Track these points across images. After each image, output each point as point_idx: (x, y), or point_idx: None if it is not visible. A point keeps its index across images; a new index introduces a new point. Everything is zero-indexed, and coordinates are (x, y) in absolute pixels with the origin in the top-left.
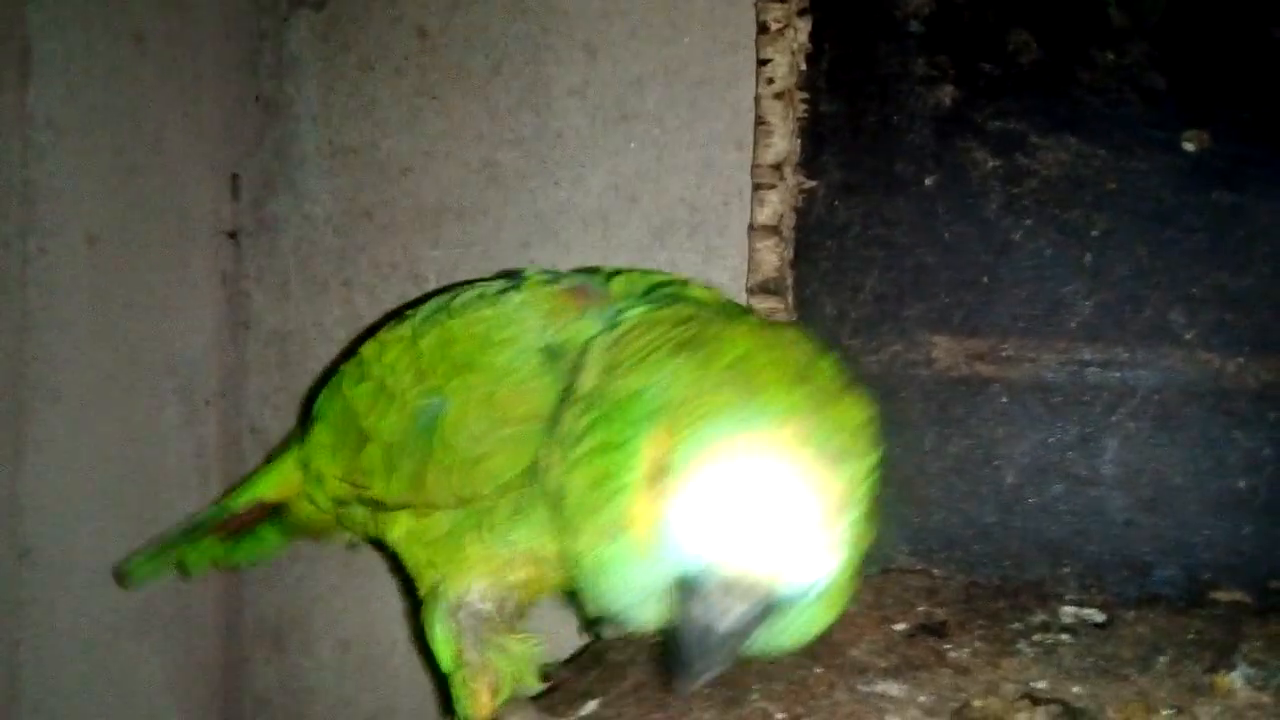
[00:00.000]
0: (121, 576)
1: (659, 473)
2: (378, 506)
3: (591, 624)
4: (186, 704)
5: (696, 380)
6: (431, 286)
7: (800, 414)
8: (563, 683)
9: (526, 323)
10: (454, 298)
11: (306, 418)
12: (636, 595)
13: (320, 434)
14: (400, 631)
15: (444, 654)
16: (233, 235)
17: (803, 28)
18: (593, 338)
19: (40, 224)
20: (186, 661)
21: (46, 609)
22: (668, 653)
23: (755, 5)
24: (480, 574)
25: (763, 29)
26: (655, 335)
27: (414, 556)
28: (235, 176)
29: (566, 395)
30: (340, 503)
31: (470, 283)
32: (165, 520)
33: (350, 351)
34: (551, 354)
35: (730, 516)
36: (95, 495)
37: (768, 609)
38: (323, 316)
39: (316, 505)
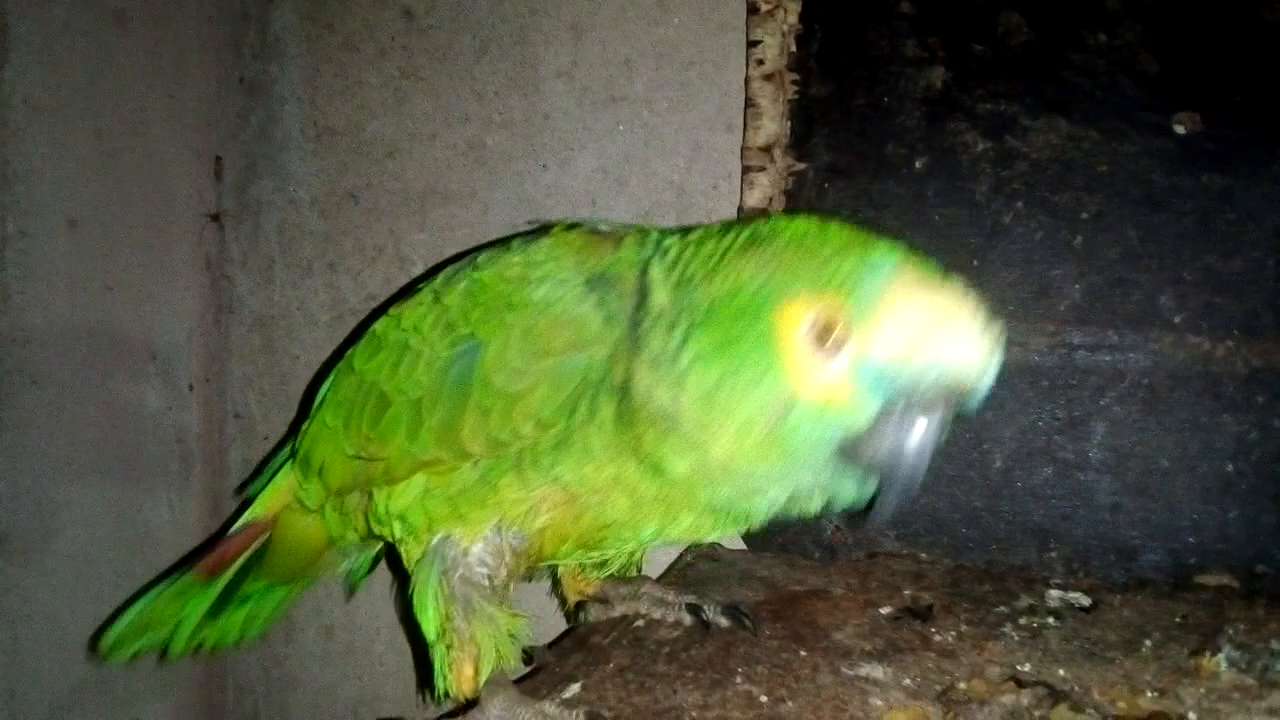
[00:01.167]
0: (100, 649)
1: (826, 333)
2: (388, 479)
3: (576, 610)
4: (169, 693)
5: (798, 256)
6: (418, 270)
7: (906, 254)
8: (545, 665)
9: (562, 260)
10: (473, 260)
11: (300, 421)
12: (817, 460)
13: (325, 418)
14: (384, 619)
15: (431, 621)
16: (216, 218)
17: (793, 9)
18: (647, 260)
19: (19, 206)
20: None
21: (22, 597)
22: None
23: None
24: (496, 525)
25: (752, 10)
26: (714, 245)
27: (425, 517)
28: (218, 159)
29: (633, 319)
30: (340, 493)
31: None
32: (146, 507)
33: (340, 338)
34: (594, 284)
35: (920, 335)
36: (74, 481)
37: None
38: (307, 300)
39: (308, 507)
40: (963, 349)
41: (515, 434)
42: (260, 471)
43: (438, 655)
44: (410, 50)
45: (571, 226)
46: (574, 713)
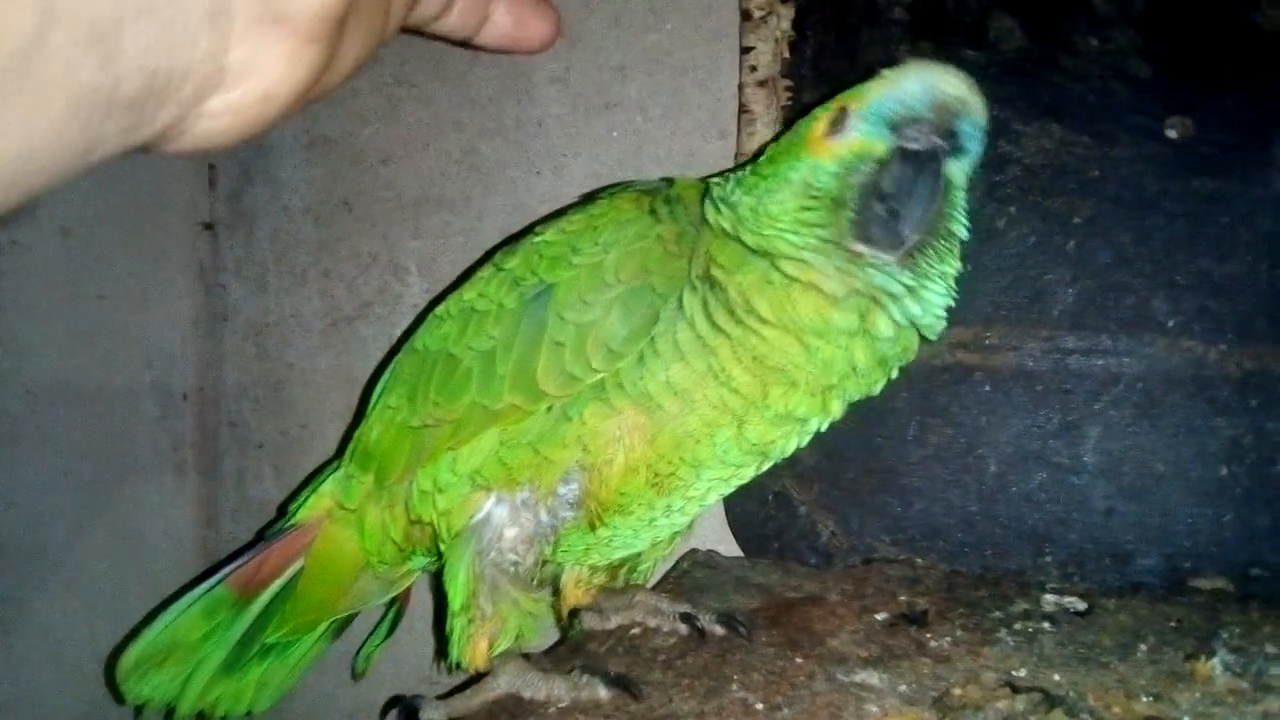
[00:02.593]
0: (119, 671)
1: (841, 117)
2: (455, 440)
3: (571, 615)
4: None
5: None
6: (412, 277)
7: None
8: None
9: (622, 208)
10: (531, 235)
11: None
12: (840, 194)
13: (387, 401)
14: None
15: (458, 593)
16: (209, 226)
17: (786, 15)
18: (707, 182)
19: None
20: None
21: (16, 607)
22: (869, 225)
23: None
24: (569, 467)
25: (745, 16)
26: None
27: (503, 468)
28: (212, 167)
29: (702, 217)
30: (392, 482)
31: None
32: (140, 516)
33: (334, 345)
34: (659, 209)
35: (906, 76)
36: (68, 490)
37: (943, 148)
38: (301, 308)
39: (348, 508)
40: (941, 78)
41: (588, 367)
42: (302, 489)
43: (458, 625)
44: (403, 58)
45: (622, 187)
46: (576, 671)
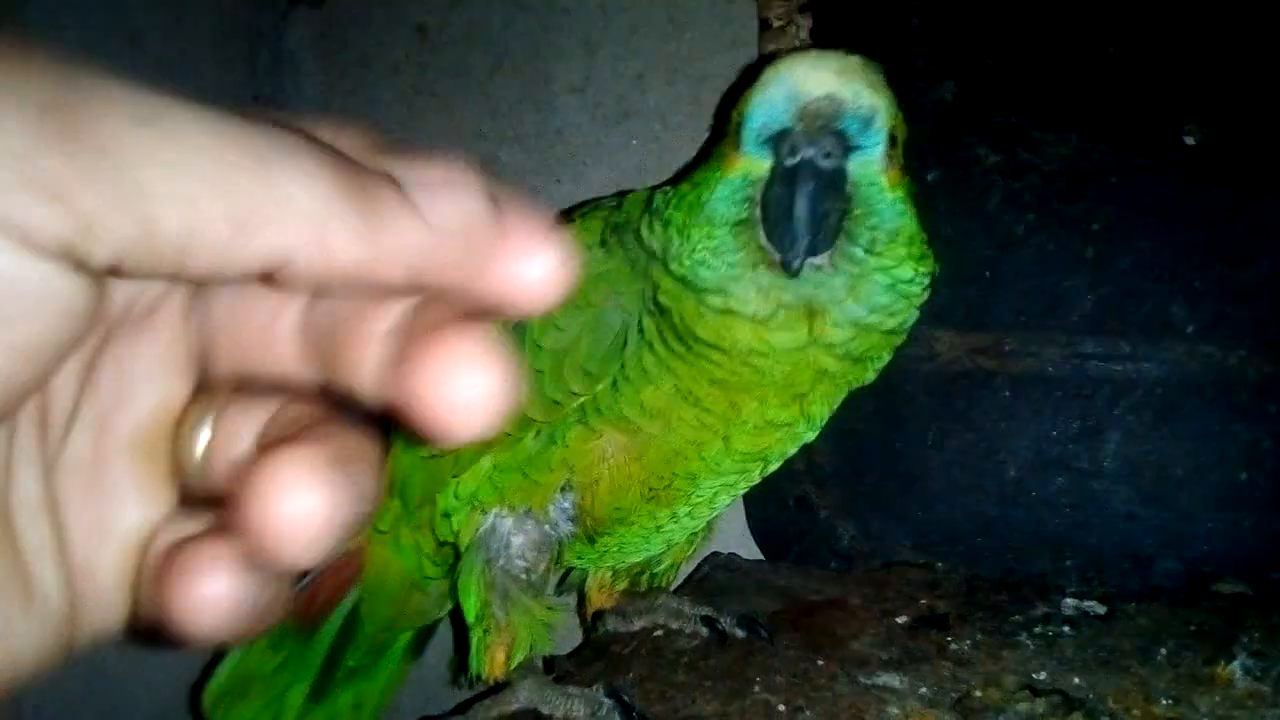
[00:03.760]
0: (203, 708)
1: (736, 124)
2: (457, 468)
3: (595, 618)
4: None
5: None
6: None
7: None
8: (567, 674)
9: (589, 231)
10: None
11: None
12: (736, 216)
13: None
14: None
15: (471, 606)
16: None
17: (804, 24)
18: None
19: None
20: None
21: None
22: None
23: (756, 2)
24: (558, 491)
25: (764, 25)
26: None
27: (495, 491)
28: None
29: (647, 252)
30: (419, 507)
31: None
32: None
33: None
34: (608, 236)
35: (767, 78)
36: None
37: (840, 168)
38: None
39: (382, 532)
40: (806, 77)
41: (567, 392)
42: None
43: (475, 638)
44: (423, 66)
45: (594, 206)
46: (595, 688)
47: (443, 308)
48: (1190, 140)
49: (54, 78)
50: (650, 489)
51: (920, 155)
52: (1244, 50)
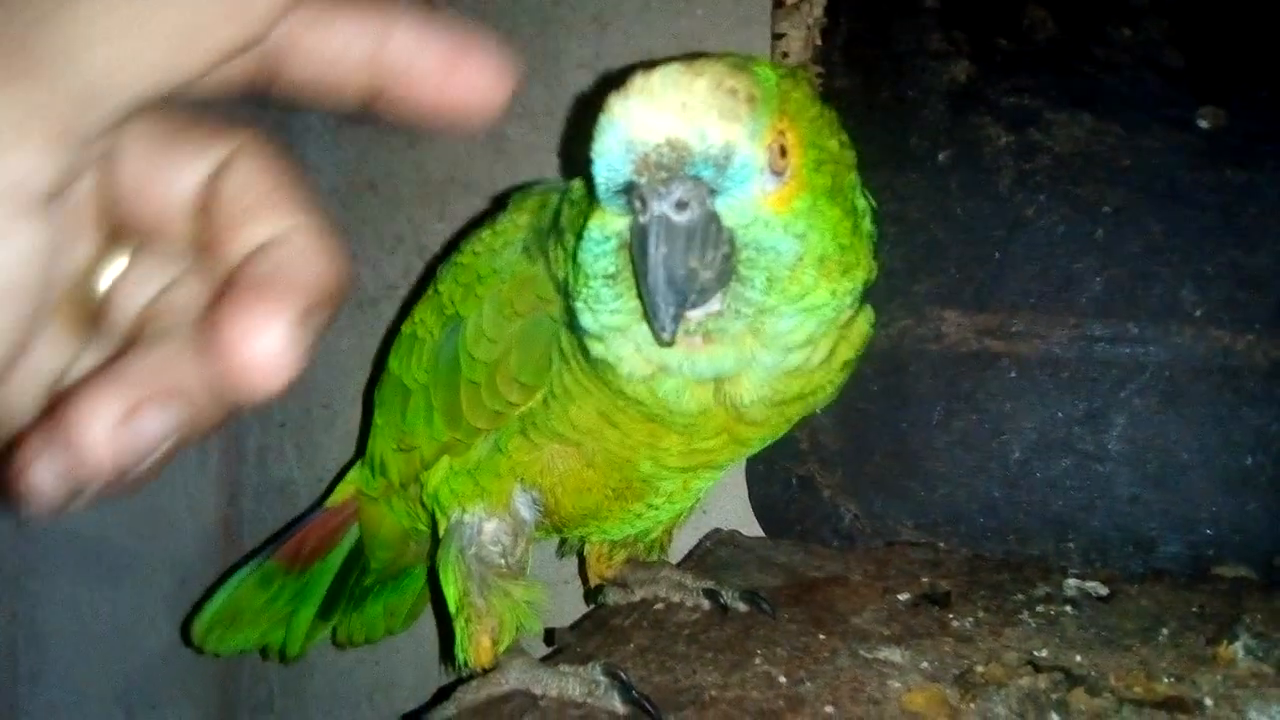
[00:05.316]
0: (193, 638)
1: None
2: (424, 465)
3: (596, 590)
4: (183, 680)
5: None
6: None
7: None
8: (567, 646)
9: (519, 225)
10: (460, 246)
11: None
12: (604, 270)
13: (376, 418)
14: None
15: (451, 595)
16: None
17: (818, 2)
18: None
19: None
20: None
21: (39, 579)
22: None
23: None
24: (515, 495)
25: (778, 3)
26: None
27: (451, 495)
28: None
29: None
30: (402, 486)
31: None
32: (163, 494)
33: (358, 327)
34: (530, 239)
35: (599, 126)
36: None
37: (705, 215)
38: None
39: (373, 497)
40: (637, 123)
41: (505, 403)
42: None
43: (458, 627)
44: None
45: (529, 190)
46: (591, 666)
47: (266, 265)
48: (1204, 124)
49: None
50: (613, 489)
51: (932, 135)
52: (1258, 34)
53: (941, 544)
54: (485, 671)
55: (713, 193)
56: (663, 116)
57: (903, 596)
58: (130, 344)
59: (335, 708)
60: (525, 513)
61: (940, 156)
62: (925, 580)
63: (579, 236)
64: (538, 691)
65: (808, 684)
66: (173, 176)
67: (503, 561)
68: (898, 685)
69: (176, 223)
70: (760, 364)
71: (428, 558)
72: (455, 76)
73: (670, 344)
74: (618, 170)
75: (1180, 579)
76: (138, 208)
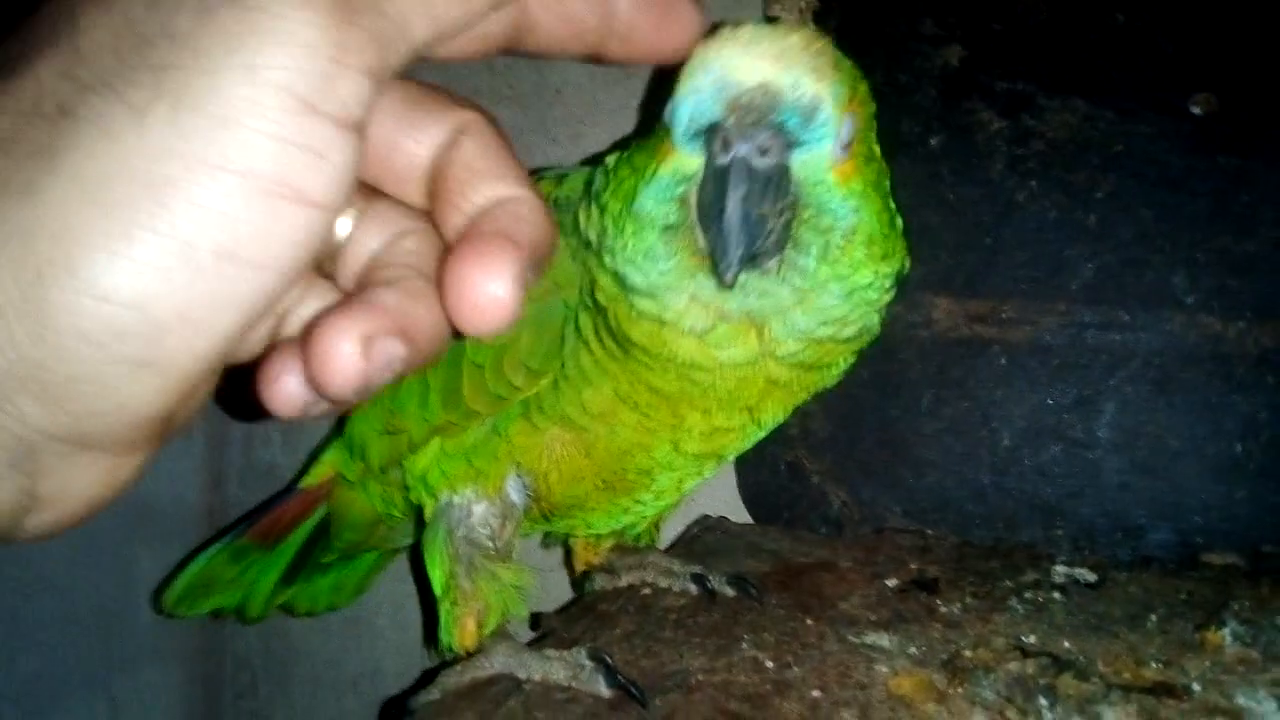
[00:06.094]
0: (162, 604)
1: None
2: (411, 447)
3: (583, 575)
4: (166, 666)
5: None
6: None
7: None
8: (553, 631)
9: None
10: None
11: None
12: (665, 219)
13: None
14: (385, 592)
15: (438, 578)
16: None
17: None
18: (587, 181)
19: None
20: (166, 623)
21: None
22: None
23: None
24: (508, 479)
25: None
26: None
27: (443, 477)
28: None
29: (584, 241)
30: (381, 469)
31: None
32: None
33: None
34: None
35: (693, 64)
36: None
37: (780, 165)
38: None
39: (350, 481)
40: (736, 64)
41: (510, 387)
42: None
43: (443, 610)
44: None
45: (541, 174)
46: (576, 650)
47: (497, 222)
48: (1197, 110)
49: None
50: (604, 481)
51: (924, 120)
52: (1251, 19)
53: (930, 530)
54: (469, 655)
55: (789, 146)
56: (759, 62)
57: (891, 582)
58: (362, 287)
59: (320, 692)
60: (515, 496)
61: (932, 142)
62: (914, 566)
63: (642, 183)
64: (522, 675)
65: (795, 669)
66: (416, 139)
67: (491, 544)
68: (885, 670)
69: (412, 181)
70: (800, 324)
71: (391, 543)
72: (663, 27)
73: (731, 287)
74: (706, 110)
75: (1169, 566)
76: (383, 165)
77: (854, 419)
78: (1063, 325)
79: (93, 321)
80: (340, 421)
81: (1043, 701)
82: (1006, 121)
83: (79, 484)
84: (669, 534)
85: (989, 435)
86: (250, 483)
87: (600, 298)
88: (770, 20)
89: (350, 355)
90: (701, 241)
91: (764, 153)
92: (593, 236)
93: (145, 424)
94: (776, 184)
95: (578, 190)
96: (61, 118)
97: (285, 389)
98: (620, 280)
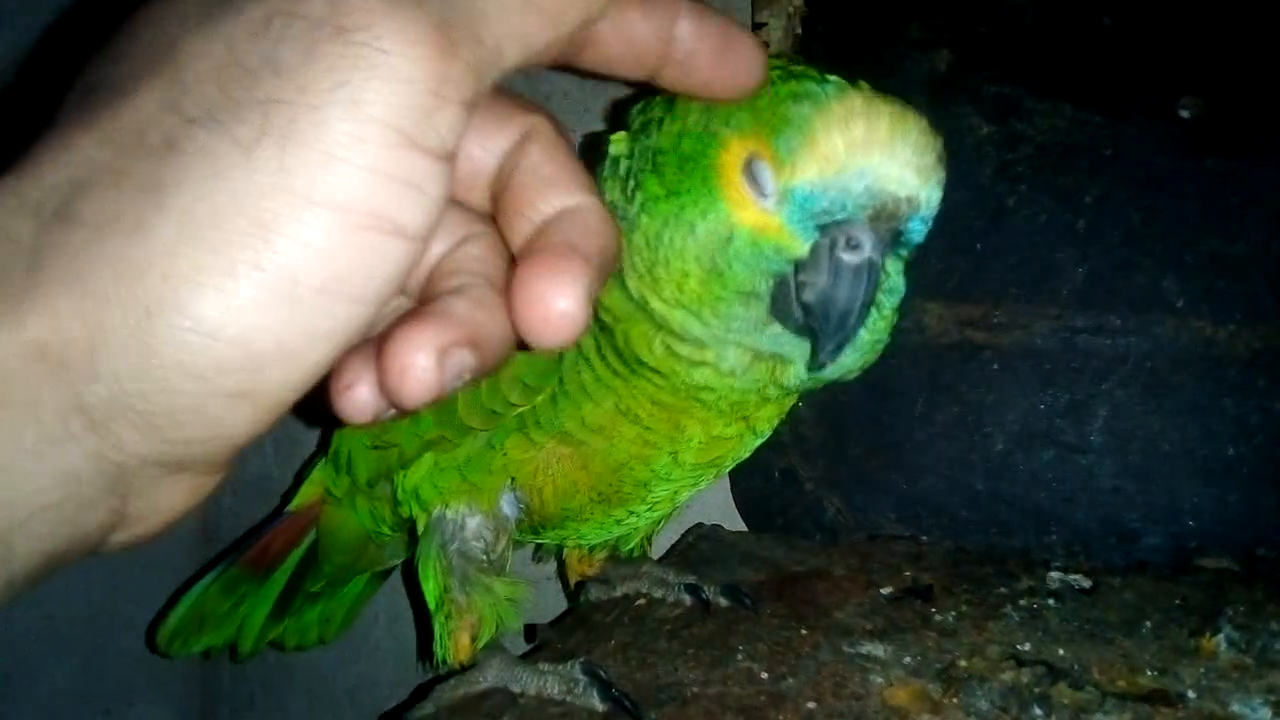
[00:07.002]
0: (158, 643)
1: (757, 168)
2: (402, 462)
3: (578, 587)
4: (165, 680)
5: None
6: None
7: (840, 82)
8: (547, 643)
9: None
10: None
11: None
12: (753, 288)
13: None
14: (382, 604)
15: (431, 592)
16: None
17: None
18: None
19: None
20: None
21: None
22: (800, 331)
23: None
24: (502, 493)
25: None
26: (664, 102)
27: (436, 491)
28: None
29: None
30: (369, 484)
31: None
32: None
33: None
34: None
35: (835, 151)
36: None
37: (883, 254)
38: None
39: (337, 498)
40: (891, 170)
41: (505, 403)
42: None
43: (437, 624)
44: None
45: None
46: (570, 664)
47: (566, 234)
48: (1185, 113)
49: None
50: (600, 493)
51: None
52: (1239, 22)
53: (924, 537)
54: (464, 669)
55: (896, 248)
56: (906, 172)
57: (885, 590)
58: (429, 292)
59: (316, 706)
60: (508, 509)
61: None
62: (908, 573)
63: (720, 241)
64: (516, 690)
65: (789, 680)
66: (484, 145)
67: (485, 558)
68: (880, 680)
69: (478, 187)
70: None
71: (380, 563)
72: (724, 61)
73: (819, 370)
74: (844, 207)
75: (1163, 571)
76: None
77: (847, 425)
78: (1054, 329)
79: (197, 357)
80: (326, 439)
81: (1037, 711)
82: (995, 126)
83: (165, 503)
84: (663, 542)
85: (982, 440)
86: (243, 494)
87: (605, 317)
88: (757, 27)
89: (426, 368)
90: (797, 315)
91: (880, 251)
92: (615, 208)
93: (234, 448)
94: (878, 275)
95: None
96: (168, 152)
97: (358, 397)
98: (661, 318)
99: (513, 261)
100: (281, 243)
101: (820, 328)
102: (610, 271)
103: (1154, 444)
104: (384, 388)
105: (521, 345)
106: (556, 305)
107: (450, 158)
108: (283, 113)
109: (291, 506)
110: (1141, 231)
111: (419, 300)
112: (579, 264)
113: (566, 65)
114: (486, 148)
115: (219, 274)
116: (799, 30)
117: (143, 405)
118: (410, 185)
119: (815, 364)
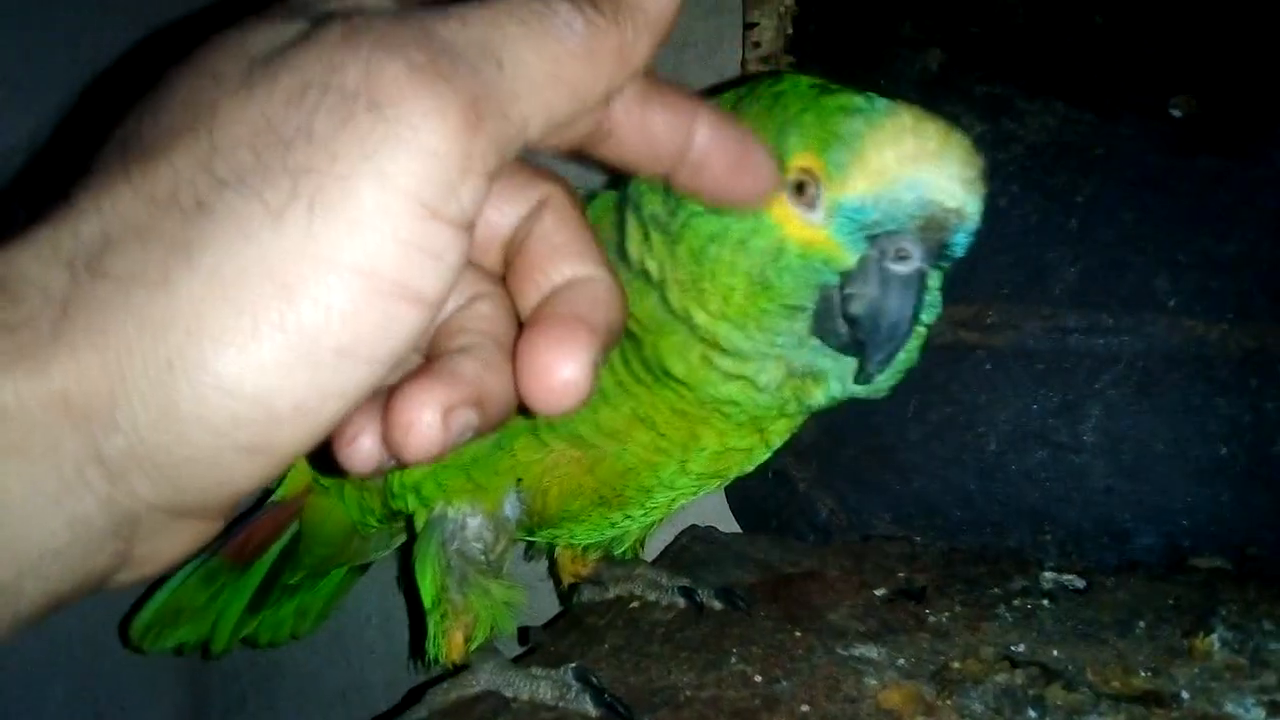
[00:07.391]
0: (130, 636)
1: (805, 183)
2: None
3: (571, 589)
4: (154, 679)
5: (778, 110)
6: None
7: (885, 101)
8: (540, 645)
9: None
10: None
11: None
12: (799, 301)
13: None
14: (373, 605)
15: (428, 590)
16: None
17: None
18: (625, 190)
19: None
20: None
21: None
22: (844, 346)
23: None
24: (507, 493)
25: None
26: None
27: (438, 488)
28: None
29: (620, 243)
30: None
31: None
32: None
33: None
34: None
35: (885, 168)
36: None
37: (930, 265)
38: None
39: (325, 488)
40: (941, 184)
41: None
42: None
43: (432, 622)
44: None
45: None
46: (563, 669)
47: (575, 305)
48: (1177, 112)
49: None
50: (601, 497)
51: None
52: (1230, 21)
53: (918, 537)
54: (456, 670)
55: (940, 261)
56: (954, 185)
57: (879, 592)
58: (437, 348)
59: (307, 707)
60: (509, 510)
61: None
62: (902, 575)
63: (768, 254)
64: (509, 694)
65: (783, 682)
66: (500, 210)
67: (484, 559)
68: (874, 683)
69: (491, 250)
70: (851, 389)
71: (362, 556)
72: (736, 173)
73: (864, 382)
74: (895, 219)
75: (1156, 570)
76: None
77: (840, 426)
78: (1046, 329)
79: (216, 411)
80: None
81: (1032, 713)
82: (987, 125)
83: (169, 546)
84: (657, 543)
85: (975, 440)
86: None
87: (634, 328)
88: (748, 27)
89: (432, 424)
90: (841, 330)
91: (928, 262)
92: (652, 267)
93: (241, 496)
94: (924, 288)
95: (602, 218)
96: (198, 213)
97: (362, 449)
98: (701, 328)
99: (520, 324)
100: (304, 305)
101: (869, 338)
102: (616, 343)
103: (1147, 444)
104: (388, 441)
105: (522, 408)
106: (561, 374)
107: (470, 227)
108: (313, 180)
109: (277, 495)
110: (1133, 231)
111: (426, 353)
112: (585, 335)
113: (586, 156)
114: (504, 212)
115: (242, 333)
116: (790, 30)
117: (160, 457)
118: (431, 254)
119: (863, 376)
